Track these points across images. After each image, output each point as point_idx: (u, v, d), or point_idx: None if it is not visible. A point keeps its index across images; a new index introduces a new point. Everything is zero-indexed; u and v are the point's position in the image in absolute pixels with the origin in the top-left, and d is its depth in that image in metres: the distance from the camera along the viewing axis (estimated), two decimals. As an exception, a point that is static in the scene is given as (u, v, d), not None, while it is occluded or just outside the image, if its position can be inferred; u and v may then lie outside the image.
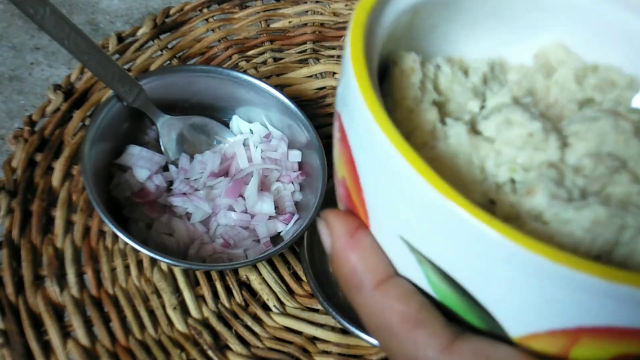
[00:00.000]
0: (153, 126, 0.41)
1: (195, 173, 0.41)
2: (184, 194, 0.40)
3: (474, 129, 0.21)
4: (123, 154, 0.39)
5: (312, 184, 0.40)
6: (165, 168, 0.41)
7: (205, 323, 0.36)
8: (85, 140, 0.36)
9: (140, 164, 0.39)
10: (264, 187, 0.41)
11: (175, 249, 0.38)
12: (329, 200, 0.40)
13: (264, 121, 0.43)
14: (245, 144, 0.43)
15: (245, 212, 0.40)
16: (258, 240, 0.39)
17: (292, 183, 0.42)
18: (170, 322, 0.35)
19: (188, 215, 0.39)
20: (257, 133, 0.43)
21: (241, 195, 0.40)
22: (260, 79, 0.42)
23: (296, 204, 0.41)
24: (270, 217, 0.40)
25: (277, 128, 0.43)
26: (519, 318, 0.17)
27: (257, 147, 0.42)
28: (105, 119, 0.37)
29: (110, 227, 0.33)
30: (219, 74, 0.42)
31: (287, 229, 0.40)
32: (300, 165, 0.42)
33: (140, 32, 0.48)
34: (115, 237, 0.38)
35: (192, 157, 0.42)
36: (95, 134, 0.36)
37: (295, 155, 0.42)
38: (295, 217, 0.40)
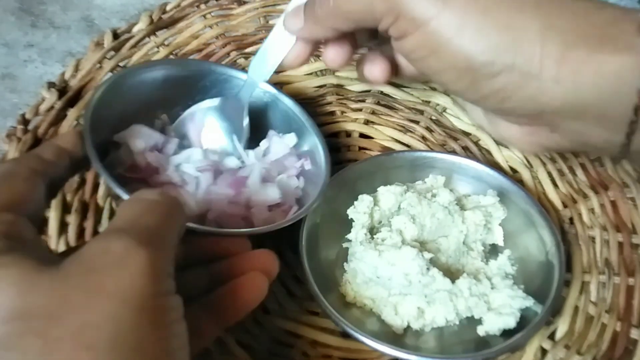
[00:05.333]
0: (162, 115, 0.41)
1: (192, 161, 0.40)
2: (172, 184, 0.38)
3: None
4: (124, 131, 0.39)
5: (313, 179, 0.40)
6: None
7: (203, 327, 0.35)
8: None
9: (137, 136, 0.39)
10: (267, 179, 0.40)
11: None
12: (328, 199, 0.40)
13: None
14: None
15: (245, 202, 0.39)
16: None
17: (296, 177, 0.41)
18: (167, 326, 0.35)
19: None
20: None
21: (242, 187, 0.39)
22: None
23: (297, 200, 0.40)
24: (270, 209, 0.39)
25: (275, 126, 0.43)
26: None
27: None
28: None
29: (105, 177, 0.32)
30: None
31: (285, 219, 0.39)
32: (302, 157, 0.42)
33: (136, 29, 0.47)
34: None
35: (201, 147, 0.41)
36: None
37: (291, 138, 0.41)
38: (295, 208, 0.39)
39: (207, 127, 0.42)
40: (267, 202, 0.39)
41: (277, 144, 0.42)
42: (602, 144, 0.29)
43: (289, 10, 0.35)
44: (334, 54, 0.36)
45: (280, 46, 0.37)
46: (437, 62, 0.30)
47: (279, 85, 0.45)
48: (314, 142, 0.40)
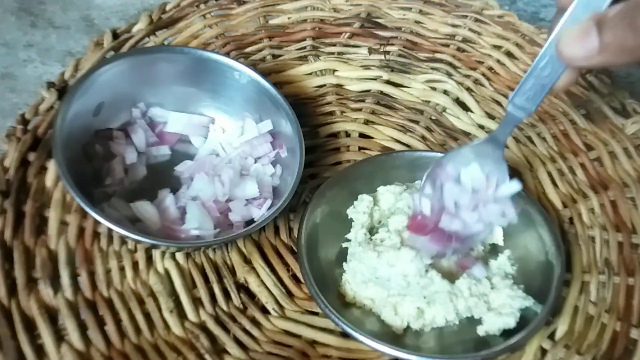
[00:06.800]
0: None
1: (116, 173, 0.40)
2: (109, 195, 0.39)
3: None
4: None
5: (290, 166, 0.40)
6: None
7: (202, 326, 0.35)
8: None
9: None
10: (242, 170, 0.41)
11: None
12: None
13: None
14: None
15: (222, 198, 0.39)
16: (231, 225, 0.39)
17: (271, 164, 0.41)
18: (166, 326, 0.35)
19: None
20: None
21: (219, 181, 0.39)
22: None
23: (273, 189, 0.41)
24: (246, 202, 0.39)
25: (250, 110, 0.43)
26: None
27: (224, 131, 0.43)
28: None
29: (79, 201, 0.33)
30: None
31: (260, 213, 0.39)
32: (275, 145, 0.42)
33: (135, 29, 0.47)
34: (110, 238, 0.37)
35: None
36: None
37: (266, 125, 0.41)
38: (269, 201, 0.39)
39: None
40: (245, 197, 0.39)
41: (252, 128, 0.42)
42: None
43: (565, 34, 0.31)
44: None
45: (549, 75, 0.33)
46: None
47: (278, 85, 0.45)
48: (289, 129, 0.40)
